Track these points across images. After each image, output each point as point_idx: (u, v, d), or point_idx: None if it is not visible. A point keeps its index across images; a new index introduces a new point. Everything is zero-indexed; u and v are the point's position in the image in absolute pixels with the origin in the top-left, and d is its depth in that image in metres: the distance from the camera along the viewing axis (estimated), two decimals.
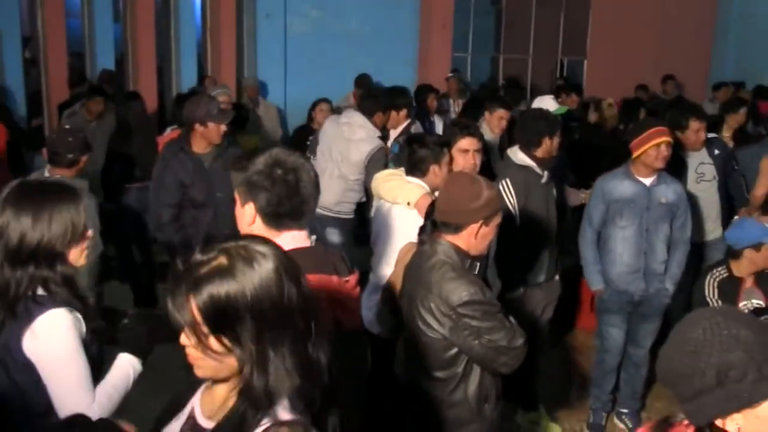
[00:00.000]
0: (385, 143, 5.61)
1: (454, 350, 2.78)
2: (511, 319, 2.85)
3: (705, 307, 1.86)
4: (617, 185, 4.36)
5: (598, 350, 4.69)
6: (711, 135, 5.31)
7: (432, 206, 3.11)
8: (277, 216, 2.17)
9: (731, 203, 5.43)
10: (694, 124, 5.01)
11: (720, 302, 4.05)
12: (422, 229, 3.06)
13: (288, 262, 1.55)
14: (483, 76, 13.72)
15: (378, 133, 5.47)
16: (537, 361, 4.30)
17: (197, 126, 4.53)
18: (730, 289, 4.04)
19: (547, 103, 6.12)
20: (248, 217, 2.19)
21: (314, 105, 7.56)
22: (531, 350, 2.94)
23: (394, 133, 5.94)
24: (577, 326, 5.98)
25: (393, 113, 5.84)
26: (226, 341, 1.48)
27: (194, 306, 1.47)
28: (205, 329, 1.47)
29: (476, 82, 13.07)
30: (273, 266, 1.50)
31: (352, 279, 2.29)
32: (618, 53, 12.57)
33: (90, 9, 10.15)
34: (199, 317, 1.47)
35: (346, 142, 5.41)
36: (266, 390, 1.48)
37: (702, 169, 5.12)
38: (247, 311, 1.46)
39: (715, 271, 4.15)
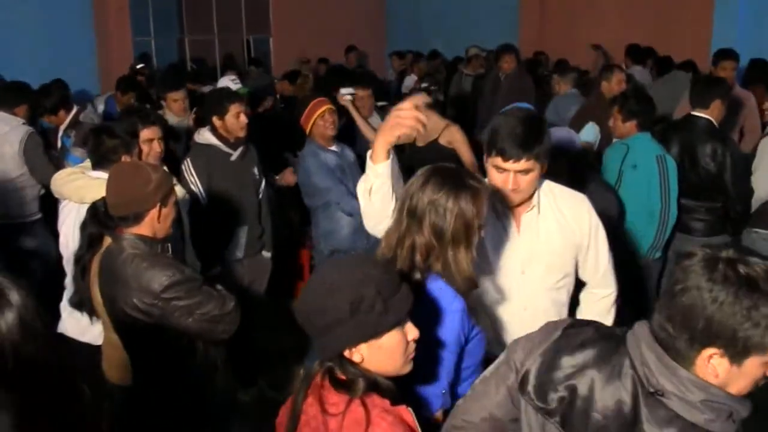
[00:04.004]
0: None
1: (172, 334, 2.75)
2: (218, 286, 2.89)
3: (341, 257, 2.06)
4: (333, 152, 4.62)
5: None
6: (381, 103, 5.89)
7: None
8: None
9: None
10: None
11: None
12: (84, 225, 2.98)
13: None
14: (170, 59, 13.32)
15: (23, 122, 5.35)
16: (250, 336, 4.36)
17: None
18: None
19: (225, 83, 6.34)
20: None
21: None
22: (241, 327, 2.98)
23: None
24: (296, 296, 6.13)
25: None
26: None
27: None
28: None
29: (164, 66, 12.68)
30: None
31: None
32: (300, 29, 12.90)
33: None
34: None
35: None
36: None
37: None
38: None
39: None
